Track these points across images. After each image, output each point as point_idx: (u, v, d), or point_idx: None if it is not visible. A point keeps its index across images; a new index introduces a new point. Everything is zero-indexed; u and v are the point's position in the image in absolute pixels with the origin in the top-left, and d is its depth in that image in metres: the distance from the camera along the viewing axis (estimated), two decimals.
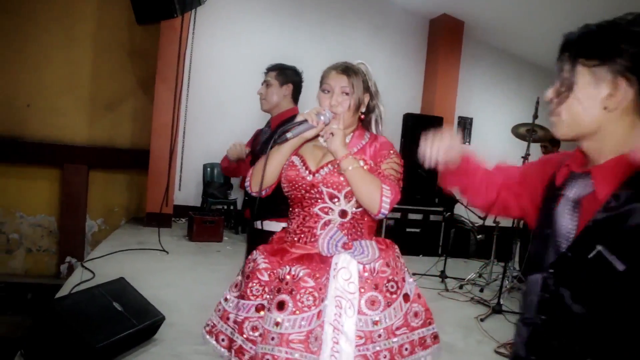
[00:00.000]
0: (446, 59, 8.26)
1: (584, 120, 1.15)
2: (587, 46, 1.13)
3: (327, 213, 1.87)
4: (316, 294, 1.75)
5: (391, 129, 7.73)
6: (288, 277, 1.78)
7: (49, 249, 7.30)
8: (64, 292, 3.93)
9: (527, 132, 5.32)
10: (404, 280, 1.87)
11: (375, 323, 1.74)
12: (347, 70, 1.93)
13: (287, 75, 2.92)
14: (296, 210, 1.92)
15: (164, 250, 5.70)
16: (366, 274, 1.79)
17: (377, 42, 8.31)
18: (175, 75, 6.43)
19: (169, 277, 4.83)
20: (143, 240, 6.02)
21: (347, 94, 1.91)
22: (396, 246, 1.98)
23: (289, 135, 1.82)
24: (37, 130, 7.08)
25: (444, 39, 8.24)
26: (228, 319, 1.87)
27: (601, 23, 1.12)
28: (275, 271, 1.84)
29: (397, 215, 6.88)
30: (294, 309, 1.73)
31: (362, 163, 1.85)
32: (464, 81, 8.56)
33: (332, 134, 1.83)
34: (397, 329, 1.78)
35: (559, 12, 7.07)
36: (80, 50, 7.24)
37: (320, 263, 1.81)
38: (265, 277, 1.85)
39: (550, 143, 5.89)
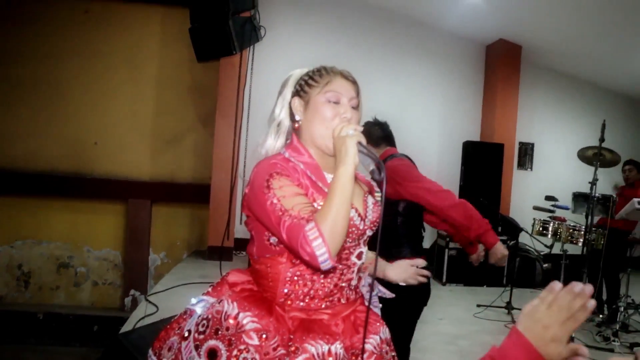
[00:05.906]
0: (505, 84, 8.10)
1: None
2: None
3: (360, 258, 1.54)
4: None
5: (451, 157, 7.74)
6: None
7: (114, 282, 7.46)
8: (129, 325, 3.98)
9: (594, 156, 5.07)
10: None
11: None
12: (353, 77, 1.57)
13: (371, 135, 2.72)
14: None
15: None
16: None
17: (433, 69, 8.24)
18: (234, 110, 6.53)
19: None
20: (205, 273, 6.05)
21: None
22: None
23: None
24: (104, 167, 7.32)
25: (502, 65, 8.09)
26: None
27: None
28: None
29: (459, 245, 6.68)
30: None
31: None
32: (524, 106, 8.35)
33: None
34: None
35: (619, 31, 6.86)
36: (144, 89, 7.48)
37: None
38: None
39: (636, 166, 5.43)
